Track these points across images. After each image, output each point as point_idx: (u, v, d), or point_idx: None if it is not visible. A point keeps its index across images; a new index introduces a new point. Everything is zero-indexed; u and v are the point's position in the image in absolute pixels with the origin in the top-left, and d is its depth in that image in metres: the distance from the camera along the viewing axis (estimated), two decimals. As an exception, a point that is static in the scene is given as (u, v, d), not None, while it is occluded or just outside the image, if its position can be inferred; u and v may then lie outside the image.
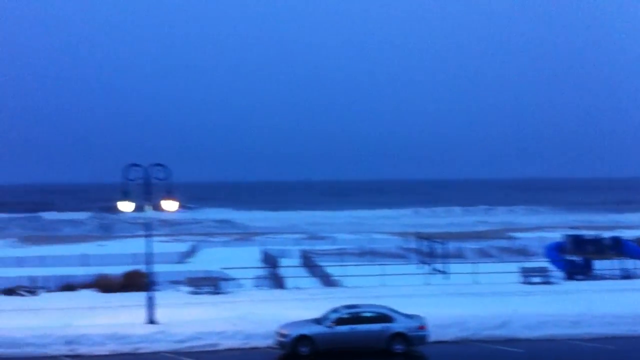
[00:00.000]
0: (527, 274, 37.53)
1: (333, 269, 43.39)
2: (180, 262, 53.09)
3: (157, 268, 28.21)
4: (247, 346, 22.91)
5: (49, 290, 37.34)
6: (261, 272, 42.66)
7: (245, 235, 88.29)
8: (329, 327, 21.74)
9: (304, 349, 21.44)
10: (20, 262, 51.66)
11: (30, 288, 36.64)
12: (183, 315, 26.85)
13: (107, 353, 22.33)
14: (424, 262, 49.54)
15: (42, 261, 51.83)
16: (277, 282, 40.70)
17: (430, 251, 51.55)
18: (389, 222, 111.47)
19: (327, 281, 41.31)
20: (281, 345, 21.78)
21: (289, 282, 39.80)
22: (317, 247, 63.31)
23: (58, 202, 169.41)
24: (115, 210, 27.36)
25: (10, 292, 35.81)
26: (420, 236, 58.81)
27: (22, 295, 35.17)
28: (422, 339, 22.08)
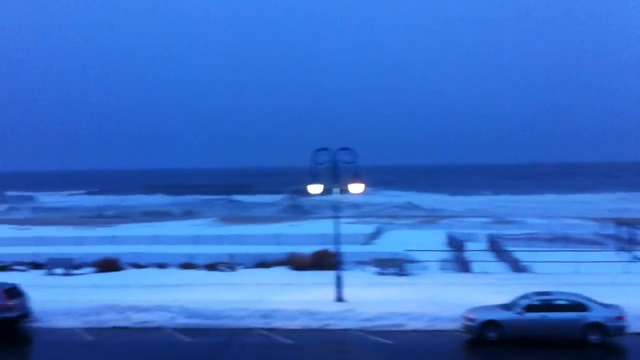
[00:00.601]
0: None
1: (522, 254, 41.80)
2: (366, 243, 54.07)
3: (345, 248, 29.00)
4: (433, 328, 22.87)
5: (246, 266, 39.92)
6: (446, 256, 42.24)
7: (429, 219, 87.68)
8: (519, 313, 21.03)
9: (491, 335, 20.98)
10: (220, 240, 55.57)
11: (229, 264, 39.50)
12: (369, 295, 27.41)
13: (299, 328, 23.43)
14: (623, 249, 45.99)
15: (239, 239, 55.29)
16: (462, 266, 40.09)
17: (631, 238, 47.75)
18: (585, 207, 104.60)
19: (516, 267, 39.90)
20: (468, 329, 21.50)
21: (475, 267, 39.02)
22: (505, 232, 61.20)
23: (253, 185, 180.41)
24: (305, 192, 28.46)
25: (212, 267, 38.90)
26: (620, 222, 54.65)
27: (222, 270, 38.03)
28: (620, 330, 20.64)
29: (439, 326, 22.93)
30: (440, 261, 39.25)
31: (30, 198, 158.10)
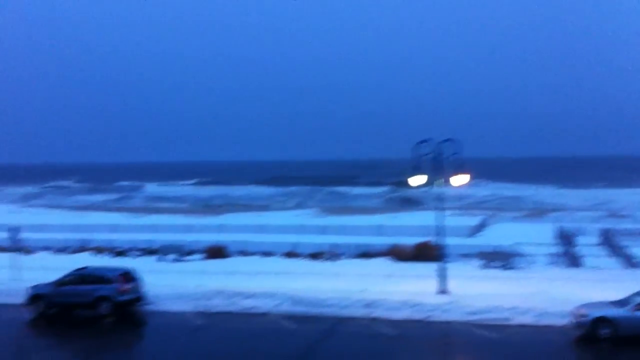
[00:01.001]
0: None
1: (637, 250, 39.78)
2: (470, 235, 53.11)
3: (448, 240, 28.67)
4: (540, 324, 22.21)
5: (348, 256, 40.25)
6: (555, 250, 40.84)
7: (537, 212, 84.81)
8: (633, 311, 20.09)
9: (603, 332, 20.14)
10: (323, 230, 56.24)
11: (332, 254, 39.98)
12: (473, 288, 26.98)
13: (401, 318, 23.42)
14: None
15: (342, 230, 55.73)
16: (572, 260, 38.65)
17: None
18: None
19: (630, 262, 38.03)
20: (578, 325, 20.75)
21: (586, 262, 37.53)
22: (619, 226, 58.29)
23: (356, 177, 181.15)
24: (408, 184, 28.30)
25: (315, 256, 39.56)
26: None
27: (325, 260, 38.59)
28: None
29: (546, 321, 22.26)
30: (548, 255, 38.04)
31: (141, 188, 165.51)
